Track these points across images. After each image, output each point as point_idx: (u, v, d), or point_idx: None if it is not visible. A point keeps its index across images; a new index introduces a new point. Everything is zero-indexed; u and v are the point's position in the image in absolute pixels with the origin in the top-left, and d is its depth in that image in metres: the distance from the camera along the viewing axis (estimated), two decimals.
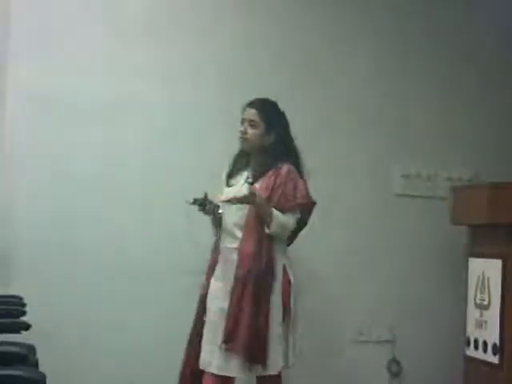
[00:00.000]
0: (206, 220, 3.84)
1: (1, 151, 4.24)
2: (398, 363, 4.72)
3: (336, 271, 4.60)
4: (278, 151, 3.78)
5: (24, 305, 3.58)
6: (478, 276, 4.06)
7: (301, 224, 3.85)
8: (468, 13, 4.88)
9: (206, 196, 3.72)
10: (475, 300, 4.09)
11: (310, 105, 4.65)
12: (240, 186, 3.73)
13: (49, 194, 4.25)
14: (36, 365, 3.18)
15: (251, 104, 3.81)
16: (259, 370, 3.63)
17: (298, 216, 3.78)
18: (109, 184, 4.32)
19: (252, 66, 4.56)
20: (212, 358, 3.64)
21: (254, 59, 4.57)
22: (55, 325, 4.13)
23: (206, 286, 3.78)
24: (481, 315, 4.02)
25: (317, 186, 4.52)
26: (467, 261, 4.19)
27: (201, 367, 3.68)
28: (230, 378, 3.66)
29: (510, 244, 3.86)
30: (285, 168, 3.75)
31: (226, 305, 3.63)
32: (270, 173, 3.74)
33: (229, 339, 3.57)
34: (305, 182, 3.80)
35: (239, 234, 3.70)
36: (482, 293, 4.03)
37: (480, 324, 4.02)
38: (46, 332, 3.87)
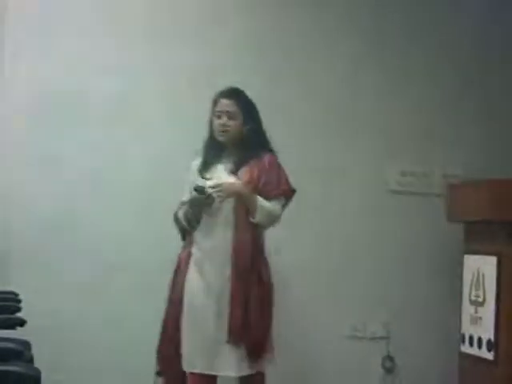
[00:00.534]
0: None
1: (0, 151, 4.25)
2: (392, 360, 4.72)
3: (331, 268, 4.60)
4: (257, 140, 3.76)
5: (19, 301, 3.58)
6: (473, 273, 4.07)
7: None
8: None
9: (205, 184, 3.63)
10: (470, 297, 4.09)
11: (307, 103, 4.65)
12: (220, 177, 3.68)
13: (47, 193, 4.27)
14: (31, 361, 3.18)
15: (224, 94, 3.76)
16: (260, 366, 3.64)
17: (283, 202, 3.76)
18: (108, 183, 4.34)
19: (247, 66, 4.55)
20: (198, 358, 3.59)
21: (250, 59, 4.58)
22: (50, 321, 4.13)
23: (181, 287, 3.68)
24: (476, 312, 4.03)
25: (312, 183, 4.56)
26: (462, 257, 4.20)
27: (185, 369, 3.63)
28: (213, 377, 3.63)
29: (505, 241, 3.87)
30: (267, 157, 3.74)
31: (210, 302, 3.59)
32: (252, 162, 3.72)
33: (236, 335, 3.54)
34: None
35: (228, 226, 3.64)
36: (476, 289, 4.04)
37: (475, 320, 4.03)
38: (41, 328, 3.87)
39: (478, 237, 4.10)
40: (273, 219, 3.72)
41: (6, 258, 4.18)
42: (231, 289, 3.59)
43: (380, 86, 4.78)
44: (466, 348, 4.11)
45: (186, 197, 3.74)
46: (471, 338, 4.05)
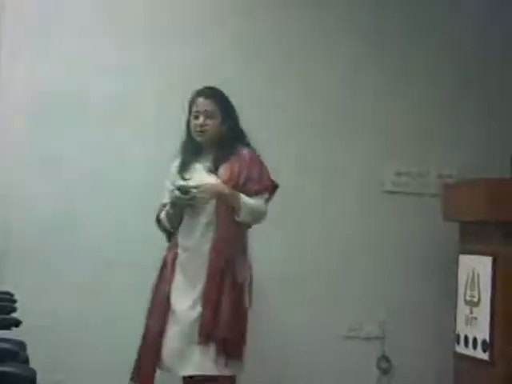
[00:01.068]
0: None
1: None
2: (387, 360, 4.72)
3: (326, 268, 4.60)
4: (235, 137, 3.73)
5: (14, 301, 3.57)
6: (468, 273, 4.07)
7: None
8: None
9: (188, 184, 3.62)
10: (465, 297, 4.10)
11: (303, 103, 4.66)
12: (200, 177, 3.66)
13: (47, 193, 4.27)
14: (26, 361, 3.16)
15: (201, 94, 3.72)
16: (235, 368, 3.58)
17: (266, 198, 3.72)
18: (108, 183, 4.35)
19: (245, 66, 4.55)
20: (179, 360, 3.57)
21: (249, 59, 4.57)
22: (47, 321, 4.13)
23: (169, 283, 3.66)
24: (471, 312, 4.04)
25: (308, 183, 4.57)
26: (458, 257, 4.21)
27: (165, 370, 3.62)
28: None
29: (500, 241, 3.87)
30: (246, 152, 3.71)
31: (192, 303, 3.57)
32: (232, 158, 3.69)
33: (206, 331, 3.51)
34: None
35: (210, 226, 3.62)
36: (472, 290, 4.04)
37: (470, 321, 4.04)
38: (36, 328, 3.87)
39: (473, 237, 4.11)
40: (257, 216, 3.68)
41: (4, 257, 4.18)
42: (204, 289, 3.56)
43: (380, 86, 4.78)
44: (461, 348, 4.11)
45: (166, 199, 3.73)
46: (466, 338, 4.05)
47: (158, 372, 3.66)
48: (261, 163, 3.73)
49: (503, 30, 4.91)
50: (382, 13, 4.79)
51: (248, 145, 3.76)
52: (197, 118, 3.71)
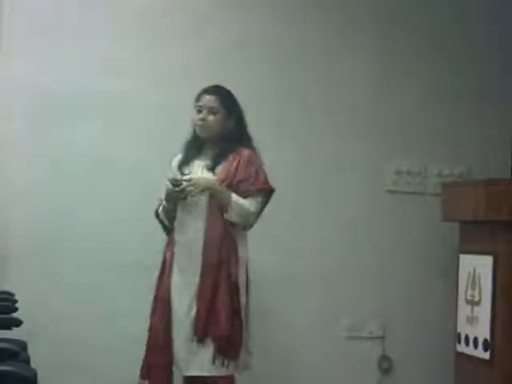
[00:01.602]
0: None
1: None
2: (388, 359, 4.72)
3: (327, 267, 4.60)
4: (237, 136, 3.73)
5: (15, 301, 3.58)
6: (469, 272, 4.07)
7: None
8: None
9: (180, 179, 3.64)
10: (466, 296, 4.09)
11: (303, 103, 4.65)
12: (196, 173, 3.67)
13: (46, 193, 4.27)
14: (27, 361, 3.17)
15: (208, 91, 3.74)
16: (233, 368, 3.56)
17: (259, 200, 3.69)
18: (108, 183, 4.34)
19: (246, 65, 4.55)
20: (182, 360, 3.57)
21: (248, 59, 4.57)
22: (47, 321, 4.13)
23: (167, 286, 3.66)
24: (471, 311, 4.03)
25: (308, 182, 4.57)
26: (458, 257, 4.21)
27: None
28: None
29: (500, 240, 3.87)
30: (246, 152, 3.70)
31: (188, 300, 3.57)
32: (231, 157, 3.69)
33: (200, 330, 3.51)
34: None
35: (202, 222, 3.62)
36: (472, 289, 4.04)
37: (471, 320, 4.03)
38: (37, 328, 3.87)
39: (473, 236, 4.10)
40: (247, 217, 3.65)
41: (4, 257, 4.18)
42: (198, 287, 3.56)
43: (379, 87, 4.78)
44: (462, 348, 4.11)
45: (164, 194, 3.75)
46: (467, 337, 4.05)
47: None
48: (259, 165, 3.72)
49: (503, 30, 4.91)
50: (382, 13, 4.79)
51: (250, 146, 3.76)
52: (200, 112, 3.73)
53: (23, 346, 3.29)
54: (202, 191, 3.61)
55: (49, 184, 4.28)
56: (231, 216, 3.61)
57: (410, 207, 4.76)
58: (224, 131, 3.73)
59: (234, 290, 3.58)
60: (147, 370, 3.65)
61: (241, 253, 3.67)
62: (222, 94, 3.75)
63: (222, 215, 3.62)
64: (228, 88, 3.78)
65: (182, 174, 3.71)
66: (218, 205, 3.62)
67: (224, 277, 3.56)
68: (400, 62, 4.82)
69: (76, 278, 4.25)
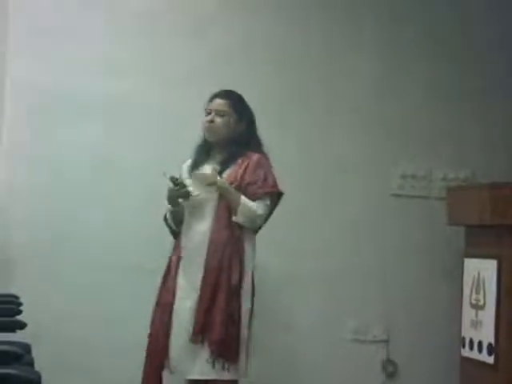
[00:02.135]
0: None
1: None
2: (393, 363, 4.71)
3: (331, 270, 4.59)
4: (247, 140, 3.74)
5: (20, 304, 3.58)
6: (474, 276, 4.06)
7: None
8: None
9: (180, 178, 3.66)
10: (470, 300, 4.09)
11: (307, 104, 4.65)
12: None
13: (47, 193, 4.27)
14: (32, 364, 3.18)
15: (218, 95, 3.77)
16: (235, 372, 3.55)
17: (268, 203, 3.70)
18: (108, 183, 4.34)
19: (249, 66, 4.56)
20: (182, 363, 3.58)
21: (252, 59, 4.58)
22: (50, 323, 4.14)
23: (172, 290, 3.66)
24: (476, 315, 4.03)
25: (311, 184, 4.57)
26: (463, 261, 4.20)
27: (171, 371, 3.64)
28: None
29: (505, 244, 3.86)
30: (255, 156, 3.71)
31: (191, 304, 3.57)
32: (240, 160, 3.70)
33: (198, 331, 3.51)
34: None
35: (208, 225, 3.63)
36: (477, 293, 4.03)
37: (475, 324, 4.02)
38: (41, 330, 3.88)
39: (478, 240, 4.10)
40: (254, 219, 3.66)
41: (7, 260, 4.19)
42: (200, 290, 3.57)
43: (382, 87, 4.78)
44: (466, 352, 4.09)
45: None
46: (471, 341, 4.04)
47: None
48: (268, 168, 3.72)
49: (503, 30, 4.90)
50: (382, 13, 4.79)
51: (261, 151, 3.77)
52: (208, 114, 3.75)
53: (27, 348, 3.30)
54: (209, 184, 3.61)
55: (49, 185, 4.28)
56: (239, 218, 3.62)
57: (415, 211, 4.75)
58: (234, 135, 3.74)
59: (234, 293, 3.57)
60: (147, 377, 3.66)
61: (247, 256, 3.66)
62: (232, 98, 3.77)
63: (230, 219, 3.62)
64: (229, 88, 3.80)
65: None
66: (227, 206, 3.62)
67: (224, 280, 3.56)
68: (404, 63, 4.81)
69: (77, 279, 4.26)
